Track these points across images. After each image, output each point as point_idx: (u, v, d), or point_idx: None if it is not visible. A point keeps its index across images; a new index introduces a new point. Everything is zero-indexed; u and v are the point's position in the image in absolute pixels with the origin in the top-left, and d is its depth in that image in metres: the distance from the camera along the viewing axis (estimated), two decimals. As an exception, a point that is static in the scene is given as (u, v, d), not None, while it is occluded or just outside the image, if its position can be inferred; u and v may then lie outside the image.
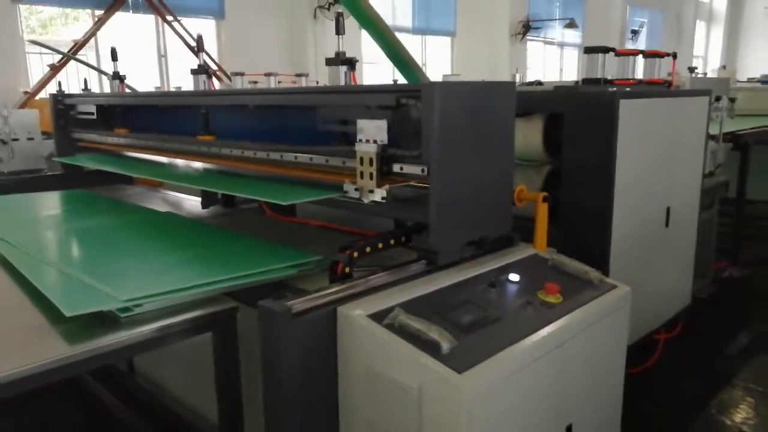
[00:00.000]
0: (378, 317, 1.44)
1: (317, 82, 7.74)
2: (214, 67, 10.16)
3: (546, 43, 16.99)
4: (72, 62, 8.09)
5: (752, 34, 23.63)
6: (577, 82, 2.81)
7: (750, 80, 9.62)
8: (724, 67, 15.74)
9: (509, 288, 1.73)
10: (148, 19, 9.91)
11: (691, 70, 4.22)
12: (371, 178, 1.87)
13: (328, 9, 11.22)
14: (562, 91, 2.55)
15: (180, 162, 3.06)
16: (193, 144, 2.76)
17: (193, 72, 2.95)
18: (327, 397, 1.54)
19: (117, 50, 3.62)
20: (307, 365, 1.48)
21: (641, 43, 19.52)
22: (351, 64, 2.20)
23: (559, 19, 16.05)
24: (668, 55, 3.06)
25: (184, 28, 9.71)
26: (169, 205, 3.19)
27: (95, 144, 3.54)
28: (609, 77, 2.67)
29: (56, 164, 3.73)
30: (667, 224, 2.91)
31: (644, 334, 2.96)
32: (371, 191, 1.88)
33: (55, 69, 8.10)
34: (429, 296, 1.60)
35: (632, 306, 2.76)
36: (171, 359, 2.57)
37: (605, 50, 2.64)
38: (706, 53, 23.80)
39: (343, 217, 2.48)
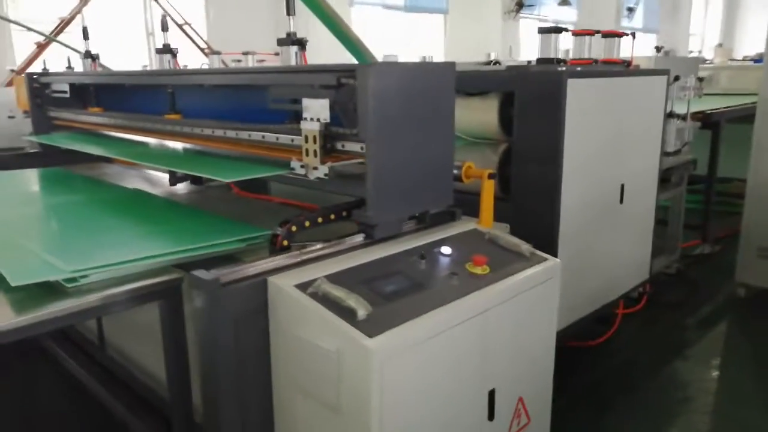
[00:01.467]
0: (304, 287, 1.53)
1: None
2: (202, 44, 10.17)
3: (541, 21, 16.87)
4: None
5: (750, 11, 23.41)
6: (529, 62, 2.87)
7: (744, 58, 9.61)
8: (720, 45, 15.67)
9: (439, 260, 1.82)
10: (136, -3, 9.86)
11: (658, 49, 4.26)
12: (315, 155, 1.94)
13: (318, -14, 11.15)
14: (514, 70, 2.61)
15: (152, 141, 3.13)
16: (159, 123, 2.83)
17: (158, 51, 3.00)
18: (260, 364, 1.64)
19: (97, 29, 3.67)
20: (240, 333, 1.57)
21: (638, 21, 19.38)
22: (301, 44, 2.26)
23: (552, -3, 15.92)
24: (626, 34, 3.12)
25: (171, 5, 9.67)
26: (145, 182, 3.26)
27: (70, 122, 3.61)
28: (562, 57, 2.73)
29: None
30: (621, 200, 2.99)
31: (599, 306, 3.07)
32: (315, 168, 1.96)
33: (41, 47, 8.09)
34: (359, 268, 1.69)
35: (585, 279, 2.87)
36: (142, 332, 2.68)
37: (558, 30, 2.69)
38: (704, 31, 23.62)
39: (313, 195, 2.55)
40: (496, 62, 2.83)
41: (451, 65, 2.03)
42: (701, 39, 22.77)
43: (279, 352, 1.62)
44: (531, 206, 2.65)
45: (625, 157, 2.98)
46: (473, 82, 2.76)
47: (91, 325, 2.89)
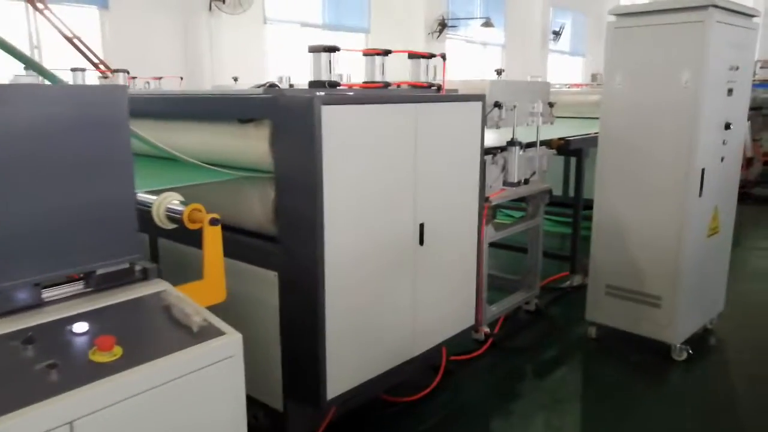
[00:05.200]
0: None
1: (181, 79, 7.29)
2: (96, 61, 9.57)
3: (468, 41, 16.90)
4: None
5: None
6: (291, 85, 2.51)
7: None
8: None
9: (59, 343, 1.40)
10: (18, 6, 9.19)
11: (498, 72, 4.02)
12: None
13: (224, 2, 10.73)
14: (269, 95, 2.24)
15: None
16: None
17: None
18: None
19: None
20: None
21: (564, 45, 19.72)
22: None
23: (476, 18, 15.97)
24: (434, 56, 2.81)
25: (57, 17, 9.06)
26: None
27: None
28: (337, 79, 2.38)
29: None
30: (421, 242, 2.65)
31: (402, 362, 2.71)
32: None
33: None
34: None
35: (372, 333, 2.50)
36: None
37: (331, 49, 2.35)
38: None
39: None
40: (272, 85, 2.45)
41: (122, 89, 1.63)
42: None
43: None
44: (296, 249, 2.27)
45: (426, 192, 2.64)
46: (239, 108, 2.38)
47: None
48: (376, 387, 2.67)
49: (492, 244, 5.37)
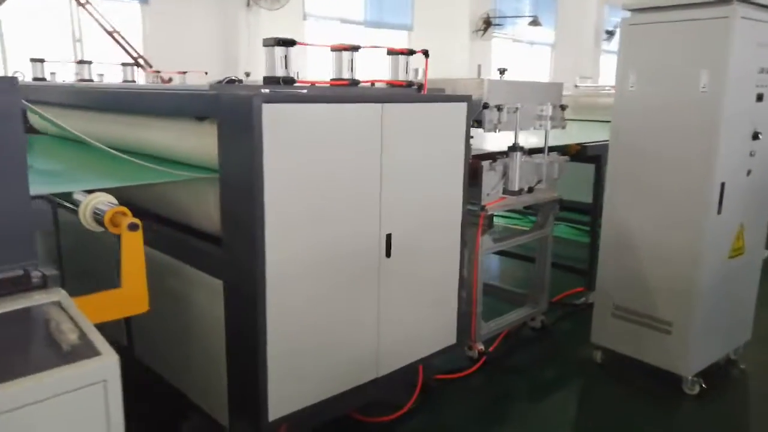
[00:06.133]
0: None
1: (205, 74, 7.27)
2: (135, 56, 9.72)
3: (515, 41, 16.44)
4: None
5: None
6: (232, 80, 2.33)
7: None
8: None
9: None
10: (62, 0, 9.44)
11: (501, 71, 3.74)
12: None
13: (262, -3, 10.74)
14: (212, 92, 2.08)
15: None
16: None
17: None
18: None
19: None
20: None
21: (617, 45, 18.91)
22: None
23: (523, 17, 15.50)
24: (414, 52, 2.59)
25: (98, 12, 9.25)
26: None
27: None
28: (294, 75, 2.20)
29: None
30: (388, 254, 2.44)
31: (366, 380, 2.51)
32: None
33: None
34: None
35: (327, 350, 2.31)
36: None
37: (286, 43, 2.16)
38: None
39: None
40: (232, 80, 2.29)
41: (11, 81, 1.50)
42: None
43: None
44: (239, 257, 2.11)
45: (394, 201, 2.43)
46: (191, 106, 2.24)
47: None
48: (335, 408, 2.47)
49: (504, 254, 5.14)
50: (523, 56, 16.99)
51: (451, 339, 2.87)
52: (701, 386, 3.15)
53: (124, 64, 4.86)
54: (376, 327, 2.47)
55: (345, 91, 2.33)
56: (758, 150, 3.09)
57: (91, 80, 4.30)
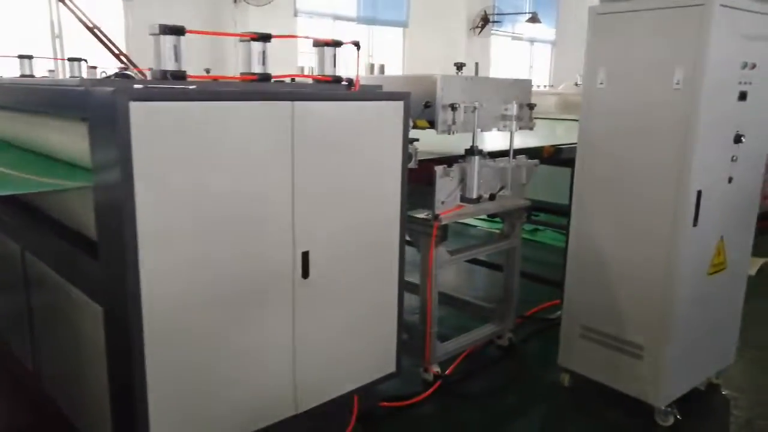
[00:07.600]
0: None
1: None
2: (116, 52, 9.45)
3: (514, 38, 16.07)
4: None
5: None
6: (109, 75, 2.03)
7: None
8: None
9: None
10: (38, -6, 9.17)
11: (459, 67, 3.42)
12: None
13: (250, -7, 10.44)
14: (80, 87, 1.78)
15: None
16: None
17: None
18: None
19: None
20: None
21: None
22: None
23: (523, 13, 15.13)
24: (342, 44, 2.28)
25: (78, 8, 8.98)
26: None
27: None
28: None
29: None
30: (305, 274, 2.13)
31: (284, 416, 2.22)
32: None
33: None
34: None
35: (240, 382, 2.01)
36: None
37: (175, 31, 1.86)
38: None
39: None
40: (124, 75, 2.00)
41: None
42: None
43: None
44: (114, 281, 1.81)
45: (311, 214, 2.12)
46: (41, 100, 1.95)
47: None
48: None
49: (474, 260, 4.71)
50: (523, 54, 16.64)
51: (389, 367, 2.57)
52: (676, 417, 2.83)
53: (20, 56, 4.16)
54: (291, 357, 2.16)
55: (246, 87, 2.02)
56: (741, 155, 2.76)
57: (33, 76, 4.01)
